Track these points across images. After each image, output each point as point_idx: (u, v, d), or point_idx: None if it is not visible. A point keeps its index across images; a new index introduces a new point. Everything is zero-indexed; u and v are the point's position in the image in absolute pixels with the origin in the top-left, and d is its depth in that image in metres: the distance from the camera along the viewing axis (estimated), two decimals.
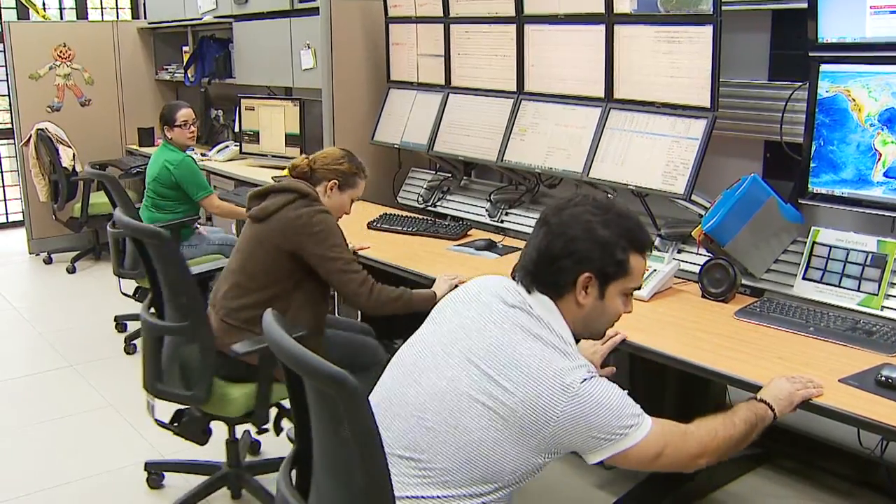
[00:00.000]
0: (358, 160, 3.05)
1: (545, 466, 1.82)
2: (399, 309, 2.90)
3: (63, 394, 4.10)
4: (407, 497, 1.76)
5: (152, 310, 2.97)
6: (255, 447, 3.51)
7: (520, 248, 3.43)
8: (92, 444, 3.45)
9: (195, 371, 2.82)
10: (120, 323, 4.97)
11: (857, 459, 3.14)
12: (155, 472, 3.28)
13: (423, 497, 1.77)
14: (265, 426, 2.91)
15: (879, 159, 2.71)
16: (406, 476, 1.77)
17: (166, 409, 2.94)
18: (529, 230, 3.69)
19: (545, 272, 1.87)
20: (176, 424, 2.94)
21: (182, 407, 2.95)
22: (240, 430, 3.13)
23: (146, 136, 6.89)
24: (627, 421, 1.78)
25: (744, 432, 1.94)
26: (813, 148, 2.86)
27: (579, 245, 1.84)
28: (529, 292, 1.89)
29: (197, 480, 3.13)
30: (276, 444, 3.23)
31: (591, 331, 1.99)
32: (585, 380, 1.75)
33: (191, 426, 2.92)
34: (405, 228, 3.78)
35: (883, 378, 2.11)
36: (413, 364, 1.91)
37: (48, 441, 3.65)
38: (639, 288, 2.00)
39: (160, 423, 2.96)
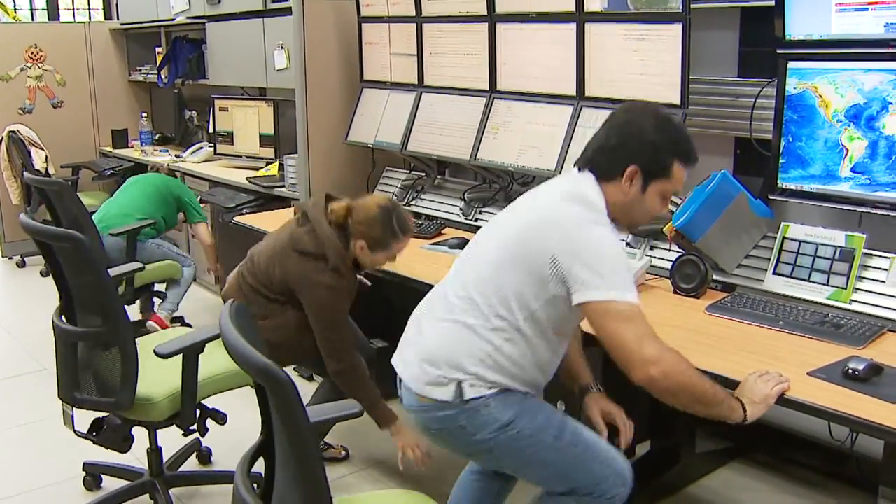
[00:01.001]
0: (394, 222, 2.88)
1: (565, 303, 2.08)
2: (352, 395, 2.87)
3: (38, 397, 4.07)
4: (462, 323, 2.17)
5: (63, 317, 2.89)
6: (204, 456, 3.46)
7: None
8: (69, 447, 3.42)
9: (116, 377, 2.77)
10: None
11: (828, 451, 3.18)
12: (91, 474, 3.25)
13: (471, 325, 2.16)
14: (192, 427, 2.89)
15: (846, 155, 2.74)
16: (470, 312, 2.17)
17: (84, 418, 2.91)
18: None
19: (600, 159, 2.16)
20: (95, 434, 2.88)
21: (101, 415, 2.89)
22: (163, 437, 3.08)
23: (120, 138, 6.86)
24: (617, 277, 2.02)
25: (709, 396, 2.03)
26: (782, 144, 2.89)
27: (633, 141, 2.13)
28: (580, 170, 2.20)
29: None
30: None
31: (629, 220, 2.23)
32: (601, 225, 2.08)
33: (111, 434, 2.87)
34: None
35: (850, 370, 2.14)
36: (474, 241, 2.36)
37: (24, 444, 3.63)
38: (676, 194, 2.31)
39: (80, 434, 2.89)
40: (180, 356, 2.70)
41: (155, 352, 2.63)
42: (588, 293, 2.02)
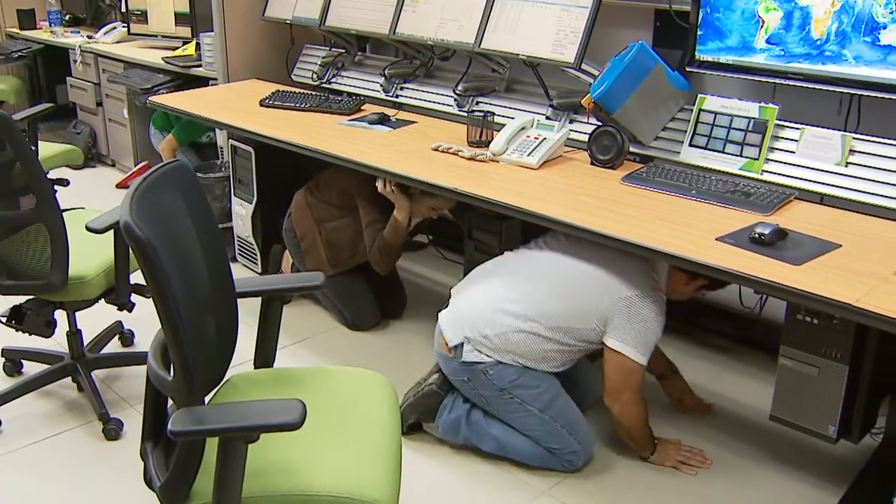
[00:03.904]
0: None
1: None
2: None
3: None
4: None
5: None
6: (127, 338, 3.45)
7: (414, 122, 3.44)
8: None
9: (42, 258, 2.67)
10: None
11: (737, 318, 3.30)
12: (10, 360, 3.21)
13: None
14: (127, 301, 2.84)
15: (762, 26, 2.75)
16: None
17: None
18: (424, 104, 3.69)
19: None
20: (15, 322, 2.80)
21: (19, 301, 2.81)
22: (82, 320, 3.05)
23: (27, 19, 6.52)
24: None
25: (638, 437, 2.64)
26: (700, 15, 2.88)
27: None
28: None
29: None
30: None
31: None
32: None
33: (35, 319, 2.80)
34: (298, 105, 3.70)
35: (756, 235, 2.20)
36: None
37: None
38: None
39: (5, 323, 2.82)
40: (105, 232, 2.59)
41: (87, 227, 2.52)
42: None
